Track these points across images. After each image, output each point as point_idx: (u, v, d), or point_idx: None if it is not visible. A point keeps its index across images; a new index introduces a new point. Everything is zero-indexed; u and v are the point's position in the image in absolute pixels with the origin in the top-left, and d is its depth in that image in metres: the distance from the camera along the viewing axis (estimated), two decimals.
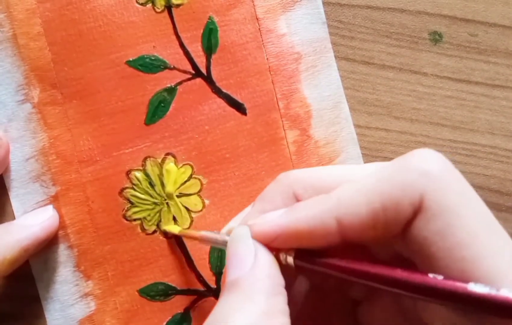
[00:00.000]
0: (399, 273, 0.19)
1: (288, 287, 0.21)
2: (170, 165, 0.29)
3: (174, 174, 0.29)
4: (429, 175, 0.19)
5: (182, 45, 0.29)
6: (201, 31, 0.29)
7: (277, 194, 0.23)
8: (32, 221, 0.27)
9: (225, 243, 0.23)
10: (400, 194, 0.19)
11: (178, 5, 0.29)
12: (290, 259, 0.21)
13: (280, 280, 0.21)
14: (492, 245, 0.18)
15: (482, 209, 0.19)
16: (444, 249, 0.18)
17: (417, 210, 0.19)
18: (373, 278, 0.19)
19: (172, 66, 0.29)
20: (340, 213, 0.20)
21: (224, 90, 0.30)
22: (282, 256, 0.21)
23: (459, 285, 0.18)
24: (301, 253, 0.21)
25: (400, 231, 0.20)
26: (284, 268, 0.21)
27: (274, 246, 0.21)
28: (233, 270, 0.21)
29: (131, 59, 0.29)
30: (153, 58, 0.29)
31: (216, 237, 0.25)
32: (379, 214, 0.19)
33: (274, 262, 0.21)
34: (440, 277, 0.18)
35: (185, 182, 0.29)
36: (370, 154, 0.31)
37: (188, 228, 0.29)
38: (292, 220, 0.21)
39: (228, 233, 0.24)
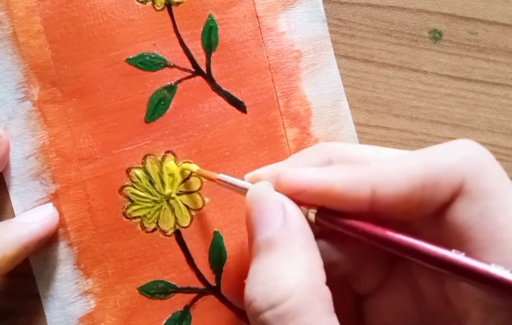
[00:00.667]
0: (421, 244, 0.19)
1: None
2: (169, 162, 0.29)
3: (173, 170, 0.29)
4: (470, 160, 0.20)
5: (182, 43, 0.29)
6: (201, 29, 0.29)
7: (312, 156, 0.24)
8: (32, 218, 0.27)
9: (244, 190, 0.23)
10: (441, 175, 0.20)
11: (178, 3, 0.29)
12: (311, 215, 0.21)
13: (311, 234, 0.21)
14: None
15: None
16: (483, 231, 0.19)
17: (457, 193, 0.20)
18: (394, 244, 0.20)
19: (172, 64, 0.29)
20: (377, 182, 0.20)
21: (224, 88, 0.30)
22: (303, 210, 0.21)
23: (480, 265, 0.18)
24: (324, 212, 0.21)
25: (433, 213, 0.20)
26: None
27: (298, 199, 0.21)
28: (264, 227, 0.21)
29: (131, 57, 0.29)
30: (153, 56, 0.29)
31: (235, 182, 0.24)
32: (417, 190, 0.20)
33: (302, 215, 0.21)
34: (462, 254, 0.19)
35: (185, 179, 0.29)
36: None
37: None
38: (326, 177, 0.21)
39: (252, 180, 0.23)
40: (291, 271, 0.19)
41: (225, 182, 0.25)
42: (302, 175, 0.21)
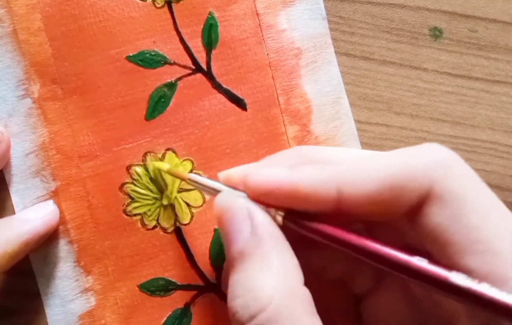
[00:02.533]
0: (383, 249, 0.19)
1: None
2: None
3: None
4: (438, 163, 0.20)
5: (182, 41, 0.29)
6: (201, 26, 0.29)
7: (286, 159, 0.23)
8: (33, 215, 0.27)
9: (215, 191, 0.23)
10: (409, 178, 0.20)
11: (178, 1, 0.29)
12: (279, 218, 0.21)
13: (282, 236, 0.21)
14: (503, 225, 0.19)
15: (490, 194, 0.20)
16: (458, 233, 0.19)
17: (425, 197, 0.19)
18: (355, 248, 0.20)
19: (172, 62, 0.29)
20: (343, 182, 0.20)
21: (224, 86, 0.30)
22: (271, 212, 0.21)
23: (441, 272, 0.18)
24: (291, 215, 0.21)
25: (403, 215, 0.20)
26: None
27: (265, 201, 0.21)
28: (234, 239, 0.21)
29: (131, 54, 0.29)
30: (153, 53, 0.29)
31: (205, 182, 0.24)
32: (383, 192, 0.20)
33: (269, 218, 0.21)
34: (425, 261, 0.19)
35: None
36: (371, 150, 0.31)
37: (189, 222, 0.29)
38: (293, 177, 0.21)
39: (226, 179, 0.23)
40: (265, 279, 0.19)
41: (195, 182, 0.25)
42: (269, 175, 0.21)
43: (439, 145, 0.21)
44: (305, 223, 0.21)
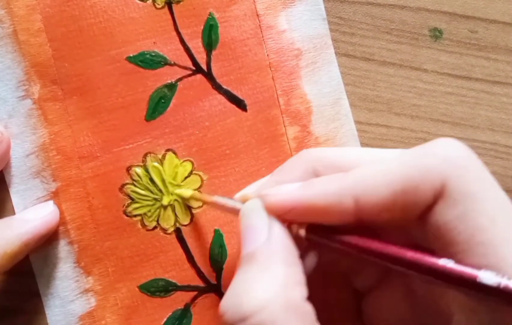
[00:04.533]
0: (411, 254, 0.19)
1: None
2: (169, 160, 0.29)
3: (175, 167, 0.29)
4: (451, 161, 0.20)
5: (182, 41, 0.29)
6: (202, 27, 0.29)
7: (297, 167, 0.23)
8: (33, 215, 0.27)
9: (236, 211, 0.23)
10: (422, 178, 0.19)
11: (178, 2, 0.29)
12: (302, 232, 0.21)
13: (295, 251, 0.21)
14: (510, 231, 0.19)
15: (502, 196, 0.20)
16: (464, 233, 0.19)
17: (438, 195, 0.19)
18: (384, 256, 0.20)
19: (172, 62, 0.29)
20: (358, 191, 0.20)
21: (224, 87, 0.30)
22: (294, 228, 0.21)
23: (468, 271, 0.18)
24: (313, 227, 0.21)
25: (418, 216, 0.20)
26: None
27: (287, 218, 0.21)
28: (248, 243, 0.21)
29: (131, 55, 0.29)
30: (153, 54, 0.29)
31: (228, 203, 0.24)
32: (399, 196, 0.19)
33: (287, 233, 0.21)
34: (451, 262, 0.18)
35: (186, 178, 0.29)
36: None
37: (190, 220, 0.29)
38: (309, 194, 0.21)
39: (242, 200, 0.23)
40: (265, 284, 0.19)
41: (218, 203, 0.25)
42: (285, 194, 0.21)
43: (455, 141, 0.20)
44: (328, 235, 0.21)
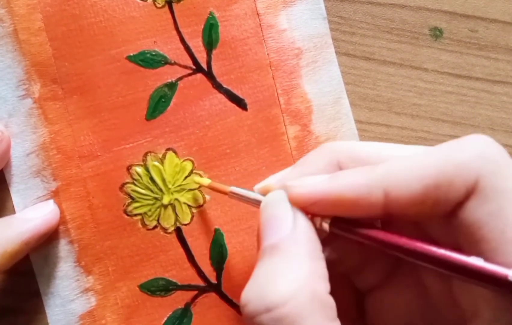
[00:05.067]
0: (440, 252, 0.19)
1: None
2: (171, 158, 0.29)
3: (175, 166, 0.29)
4: (485, 157, 0.19)
5: (182, 41, 0.29)
6: (202, 26, 0.29)
7: (320, 160, 0.23)
8: (33, 214, 0.27)
9: (257, 202, 0.23)
10: (456, 173, 0.19)
11: (178, 1, 0.29)
12: (325, 225, 0.21)
13: (319, 245, 0.21)
14: None
15: None
16: (495, 231, 0.18)
17: (471, 191, 0.19)
18: (412, 253, 0.19)
19: (172, 62, 0.29)
20: (389, 184, 0.19)
21: (224, 86, 0.30)
22: (317, 221, 0.21)
23: (499, 270, 0.18)
24: (336, 220, 0.21)
25: (448, 212, 0.19)
26: None
27: (311, 211, 0.21)
28: (272, 233, 0.20)
29: (131, 54, 0.29)
30: (153, 53, 0.29)
31: (248, 195, 0.24)
32: (431, 190, 0.19)
33: (312, 226, 0.21)
34: (481, 261, 0.18)
35: (186, 177, 0.29)
36: None
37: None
38: (337, 186, 0.20)
39: (262, 191, 0.23)
40: (292, 275, 0.19)
41: (236, 194, 0.25)
42: (311, 186, 0.21)
43: (487, 137, 0.20)
44: (354, 229, 0.20)
